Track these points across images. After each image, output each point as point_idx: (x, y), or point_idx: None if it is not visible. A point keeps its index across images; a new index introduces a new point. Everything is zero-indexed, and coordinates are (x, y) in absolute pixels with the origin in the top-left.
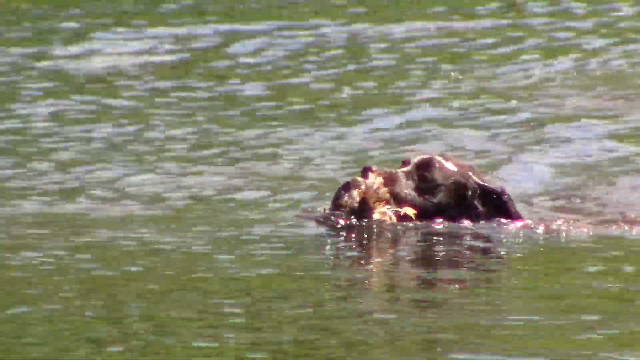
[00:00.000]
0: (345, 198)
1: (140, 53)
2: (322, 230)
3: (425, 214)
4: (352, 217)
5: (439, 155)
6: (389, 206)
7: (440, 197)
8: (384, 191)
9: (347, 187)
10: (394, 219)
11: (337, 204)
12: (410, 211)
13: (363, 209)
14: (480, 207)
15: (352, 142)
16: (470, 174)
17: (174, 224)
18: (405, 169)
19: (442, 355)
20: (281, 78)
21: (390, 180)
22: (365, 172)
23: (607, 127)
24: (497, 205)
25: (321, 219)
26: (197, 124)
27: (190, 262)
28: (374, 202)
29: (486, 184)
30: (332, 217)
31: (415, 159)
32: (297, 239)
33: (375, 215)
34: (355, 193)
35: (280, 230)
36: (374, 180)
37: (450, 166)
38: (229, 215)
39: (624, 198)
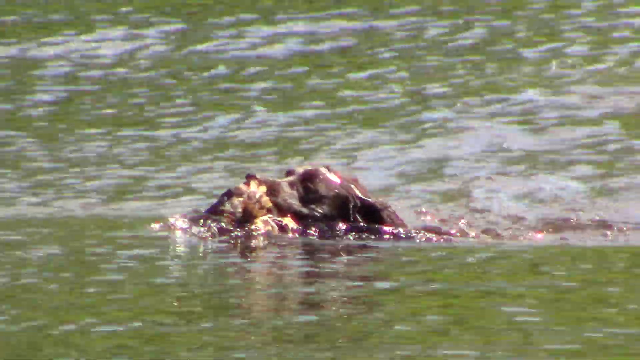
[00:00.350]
0: (227, 206)
1: None
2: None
3: (308, 225)
4: (234, 224)
5: (324, 167)
6: (270, 215)
7: (324, 208)
8: (266, 200)
9: (229, 194)
10: (276, 228)
11: (218, 210)
12: (290, 222)
13: (245, 218)
14: (360, 220)
15: None
16: (352, 187)
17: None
18: (289, 179)
19: None
20: None
21: (273, 190)
22: (248, 179)
23: None
24: (378, 219)
25: (196, 223)
26: None
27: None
28: (256, 211)
29: (367, 199)
30: (209, 222)
31: (300, 170)
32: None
33: (258, 224)
34: (237, 201)
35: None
36: (257, 189)
37: (334, 178)
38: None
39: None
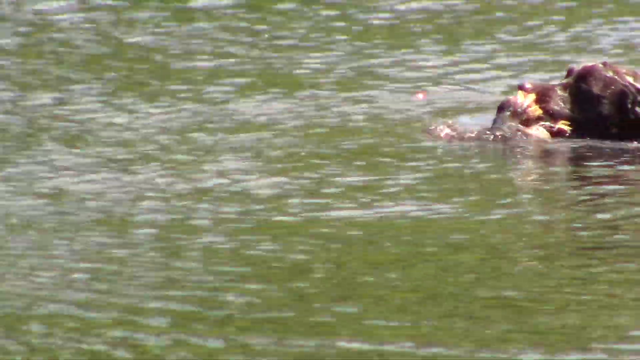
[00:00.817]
0: (498, 123)
1: None
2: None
3: (581, 127)
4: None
5: (601, 64)
6: (543, 122)
7: (599, 108)
8: (534, 109)
9: (500, 107)
10: (548, 135)
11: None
12: (564, 126)
13: (514, 129)
14: None
15: None
16: (631, 79)
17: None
18: (563, 81)
19: None
20: None
21: (544, 96)
22: (519, 89)
23: None
24: None
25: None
26: None
27: None
28: (524, 121)
29: None
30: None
31: (578, 68)
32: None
33: (530, 132)
34: (505, 115)
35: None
36: (524, 98)
37: (611, 74)
38: None
39: None
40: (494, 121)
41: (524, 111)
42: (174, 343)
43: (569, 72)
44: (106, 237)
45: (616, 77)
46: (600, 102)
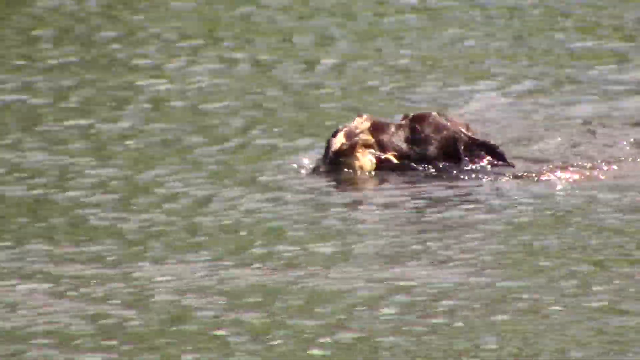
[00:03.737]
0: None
1: None
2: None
3: (406, 161)
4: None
5: (436, 112)
6: (372, 150)
7: (429, 149)
8: (366, 137)
9: (336, 131)
10: (374, 162)
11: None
12: (392, 157)
13: (343, 152)
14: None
15: None
16: (462, 129)
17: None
18: (398, 122)
19: None
20: None
21: (378, 128)
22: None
23: None
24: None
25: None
26: None
27: None
28: (354, 145)
29: (478, 138)
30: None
31: (412, 114)
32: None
33: (359, 158)
34: (339, 135)
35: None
36: (360, 125)
37: (444, 121)
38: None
39: None
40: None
41: (356, 134)
42: None
43: (404, 118)
44: None
45: (448, 124)
46: (429, 143)
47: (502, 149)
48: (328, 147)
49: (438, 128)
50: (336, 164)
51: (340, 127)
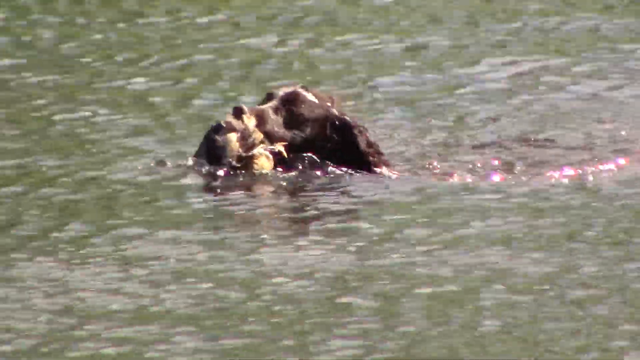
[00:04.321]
0: (220, 141)
1: None
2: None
3: (295, 149)
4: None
5: (301, 87)
6: (264, 146)
7: (306, 132)
8: (259, 135)
9: (218, 128)
10: (271, 158)
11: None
12: (281, 147)
13: (246, 157)
14: (337, 140)
15: None
16: (329, 105)
17: None
18: (272, 104)
19: None
20: None
21: (261, 119)
22: (237, 113)
23: None
24: (349, 137)
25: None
26: None
27: None
28: (252, 147)
29: (343, 117)
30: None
31: (280, 93)
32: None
33: (257, 160)
34: (233, 137)
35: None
36: (248, 122)
37: (313, 98)
38: None
39: None
40: (213, 148)
41: (250, 135)
42: None
43: (269, 97)
44: None
45: (318, 101)
46: (306, 125)
47: (362, 130)
48: (213, 144)
49: (311, 107)
50: (235, 169)
51: (222, 123)
